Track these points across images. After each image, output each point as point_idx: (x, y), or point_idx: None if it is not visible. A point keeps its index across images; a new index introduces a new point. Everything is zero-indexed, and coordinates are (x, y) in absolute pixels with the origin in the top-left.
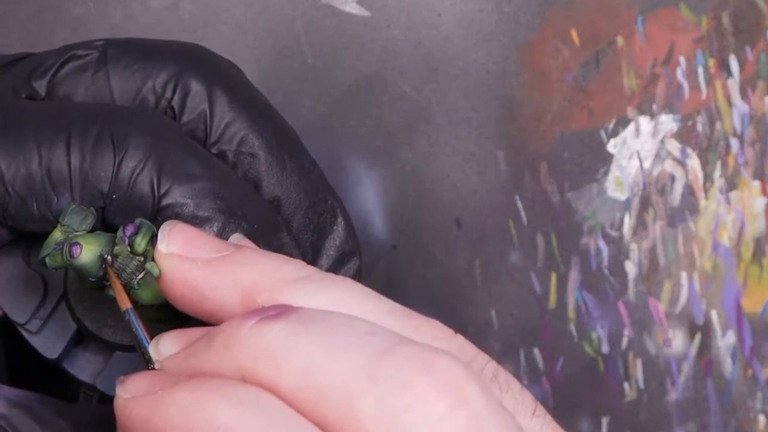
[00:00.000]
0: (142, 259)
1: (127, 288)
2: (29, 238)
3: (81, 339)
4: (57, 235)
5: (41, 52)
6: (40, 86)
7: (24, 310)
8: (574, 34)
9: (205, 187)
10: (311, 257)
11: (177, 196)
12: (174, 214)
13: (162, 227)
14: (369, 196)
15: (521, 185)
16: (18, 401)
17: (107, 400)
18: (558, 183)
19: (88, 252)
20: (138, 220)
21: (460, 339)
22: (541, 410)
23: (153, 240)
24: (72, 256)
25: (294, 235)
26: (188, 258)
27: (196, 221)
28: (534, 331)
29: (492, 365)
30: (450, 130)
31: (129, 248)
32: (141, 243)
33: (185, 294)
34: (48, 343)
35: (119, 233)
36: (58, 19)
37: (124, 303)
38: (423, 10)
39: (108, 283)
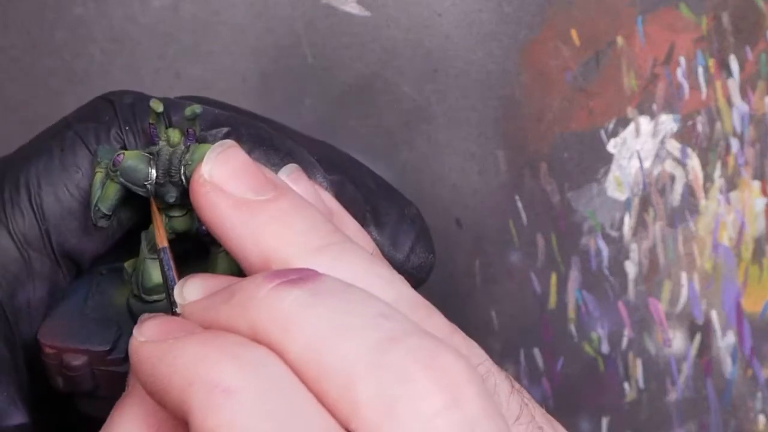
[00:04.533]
0: (183, 147)
1: (184, 170)
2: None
3: None
4: (98, 176)
5: None
6: None
7: (105, 339)
8: (574, 34)
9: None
10: (372, 214)
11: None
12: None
13: (213, 147)
14: None
15: (521, 185)
16: None
17: None
18: (558, 183)
19: (131, 155)
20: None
21: (457, 337)
22: (525, 417)
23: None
24: (117, 164)
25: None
26: (224, 191)
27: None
28: (534, 331)
29: (483, 368)
30: (450, 130)
31: (167, 142)
32: (175, 134)
33: (210, 225)
34: None
35: (153, 109)
36: (58, 19)
37: (161, 240)
38: (423, 10)
39: (162, 183)
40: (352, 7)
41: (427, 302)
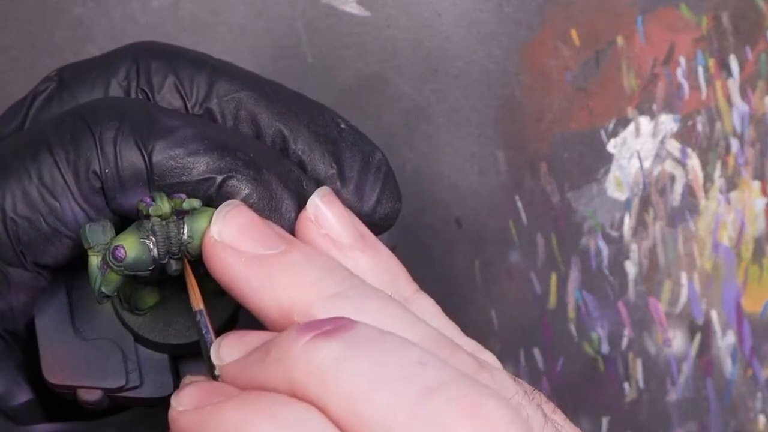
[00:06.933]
0: (175, 217)
1: (184, 247)
2: (70, 311)
3: (177, 366)
4: (94, 260)
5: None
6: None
7: (117, 373)
8: (574, 34)
9: (188, 134)
10: (337, 167)
11: (164, 148)
12: (169, 167)
13: (219, 208)
14: None
15: (521, 185)
16: None
17: None
18: (558, 183)
19: (130, 245)
20: (146, 198)
21: (484, 356)
22: None
23: (171, 196)
24: (120, 260)
25: (310, 148)
26: (235, 250)
27: (192, 165)
28: (534, 331)
29: (515, 400)
30: (450, 130)
31: (158, 218)
32: (164, 205)
33: (227, 286)
34: (156, 385)
35: (141, 209)
36: (58, 19)
37: (198, 303)
38: (423, 10)
39: (165, 262)
40: (352, 7)
41: (448, 338)
